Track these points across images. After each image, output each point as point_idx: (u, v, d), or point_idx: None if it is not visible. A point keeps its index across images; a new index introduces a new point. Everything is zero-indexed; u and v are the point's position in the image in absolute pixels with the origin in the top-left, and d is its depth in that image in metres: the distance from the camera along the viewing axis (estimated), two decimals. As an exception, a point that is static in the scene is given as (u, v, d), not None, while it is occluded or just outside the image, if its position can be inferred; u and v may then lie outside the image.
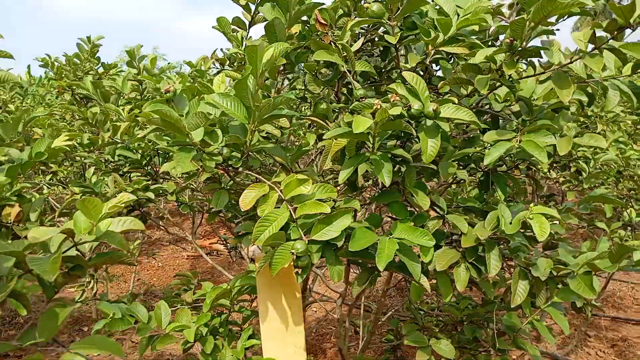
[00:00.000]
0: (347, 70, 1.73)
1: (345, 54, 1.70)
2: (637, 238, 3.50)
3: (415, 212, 1.61)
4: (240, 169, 1.53)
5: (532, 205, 1.40)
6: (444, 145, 1.70)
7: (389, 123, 1.33)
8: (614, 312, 4.65)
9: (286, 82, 2.56)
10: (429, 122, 1.38)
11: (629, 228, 3.47)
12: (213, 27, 2.28)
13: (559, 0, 1.10)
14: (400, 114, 1.38)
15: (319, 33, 1.84)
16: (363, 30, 1.87)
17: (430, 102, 1.39)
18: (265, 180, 1.46)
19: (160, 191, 2.62)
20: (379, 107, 1.37)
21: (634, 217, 3.30)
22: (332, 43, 1.74)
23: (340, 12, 1.90)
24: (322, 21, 1.77)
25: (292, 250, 1.33)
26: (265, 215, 1.38)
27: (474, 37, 1.63)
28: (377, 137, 1.46)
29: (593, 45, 1.32)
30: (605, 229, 3.35)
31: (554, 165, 3.62)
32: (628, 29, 1.36)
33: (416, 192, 1.48)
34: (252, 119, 1.43)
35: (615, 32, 1.27)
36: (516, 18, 1.18)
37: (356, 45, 1.77)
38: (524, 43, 1.34)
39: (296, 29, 2.08)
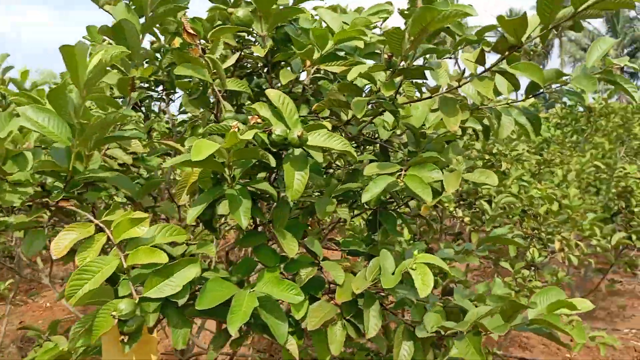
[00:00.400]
0: (218, 89, 1.47)
1: (215, 70, 1.44)
2: (539, 278, 3.46)
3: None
4: (63, 204, 1.21)
5: (416, 252, 1.19)
6: (327, 180, 1.47)
7: (244, 150, 1.07)
8: (521, 353, 4.61)
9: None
10: (297, 152, 1.14)
11: (533, 268, 3.42)
12: (83, 37, 1.97)
13: (438, 9, 0.91)
14: (262, 140, 1.13)
15: (192, 46, 1.58)
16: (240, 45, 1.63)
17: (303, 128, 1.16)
18: (93, 218, 1.15)
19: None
20: (236, 130, 1.12)
21: (537, 257, 3.25)
22: (202, 57, 1.49)
23: (219, 23, 1.65)
24: (191, 31, 1.51)
25: (114, 313, 1.02)
26: (85, 264, 1.07)
27: (370, 61, 1.44)
28: (238, 167, 1.20)
29: (482, 68, 1.15)
30: (509, 268, 3.27)
31: (461, 203, 3.55)
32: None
33: (284, 234, 1.22)
34: (77, 140, 1.12)
35: (507, 52, 1.10)
36: (390, 28, 0.98)
37: (230, 61, 1.52)
38: (409, 62, 1.15)
39: (177, 42, 1.81)
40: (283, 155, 1.19)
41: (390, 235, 2.01)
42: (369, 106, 1.33)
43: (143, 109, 2.12)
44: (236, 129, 1.12)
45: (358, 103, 1.14)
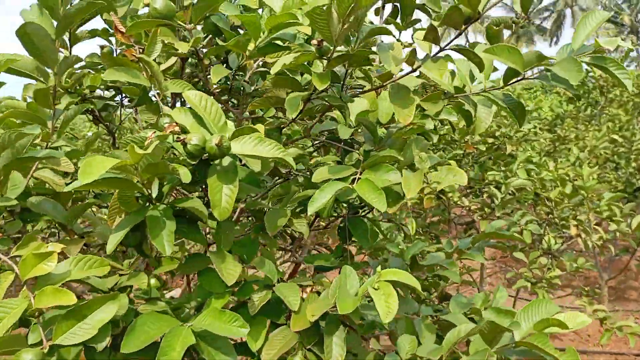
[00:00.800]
0: (157, 92, 1.32)
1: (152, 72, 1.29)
2: (559, 266, 3.23)
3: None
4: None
5: (379, 269, 1.01)
6: (285, 187, 1.31)
7: (150, 166, 0.91)
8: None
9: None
10: (226, 161, 0.97)
11: (550, 256, 3.20)
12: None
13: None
14: (190, 153, 0.96)
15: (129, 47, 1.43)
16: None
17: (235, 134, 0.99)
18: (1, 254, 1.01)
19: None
20: (150, 141, 0.96)
21: (553, 245, 3.02)
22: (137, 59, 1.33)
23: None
24: (123, 30, 1.36)
25: (15, 367, 0.88)
26: (-14, 310, 0.92)
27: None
28: (167, 182, 1.05)
29: (438, 47, 0.96)
30: (523, 259, 3.06)
31: (467, 191, 3.33)
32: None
33: (223, 258, 1.06)
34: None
35: (463, 26, 0.91)
36: (317, 5, 0.80)
37: (168, 62, 1.36)
38: (354, 45, 0.97)
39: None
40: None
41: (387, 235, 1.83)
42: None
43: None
44: (150, 140, 0.96)
45: (292, 101, 0.96)
